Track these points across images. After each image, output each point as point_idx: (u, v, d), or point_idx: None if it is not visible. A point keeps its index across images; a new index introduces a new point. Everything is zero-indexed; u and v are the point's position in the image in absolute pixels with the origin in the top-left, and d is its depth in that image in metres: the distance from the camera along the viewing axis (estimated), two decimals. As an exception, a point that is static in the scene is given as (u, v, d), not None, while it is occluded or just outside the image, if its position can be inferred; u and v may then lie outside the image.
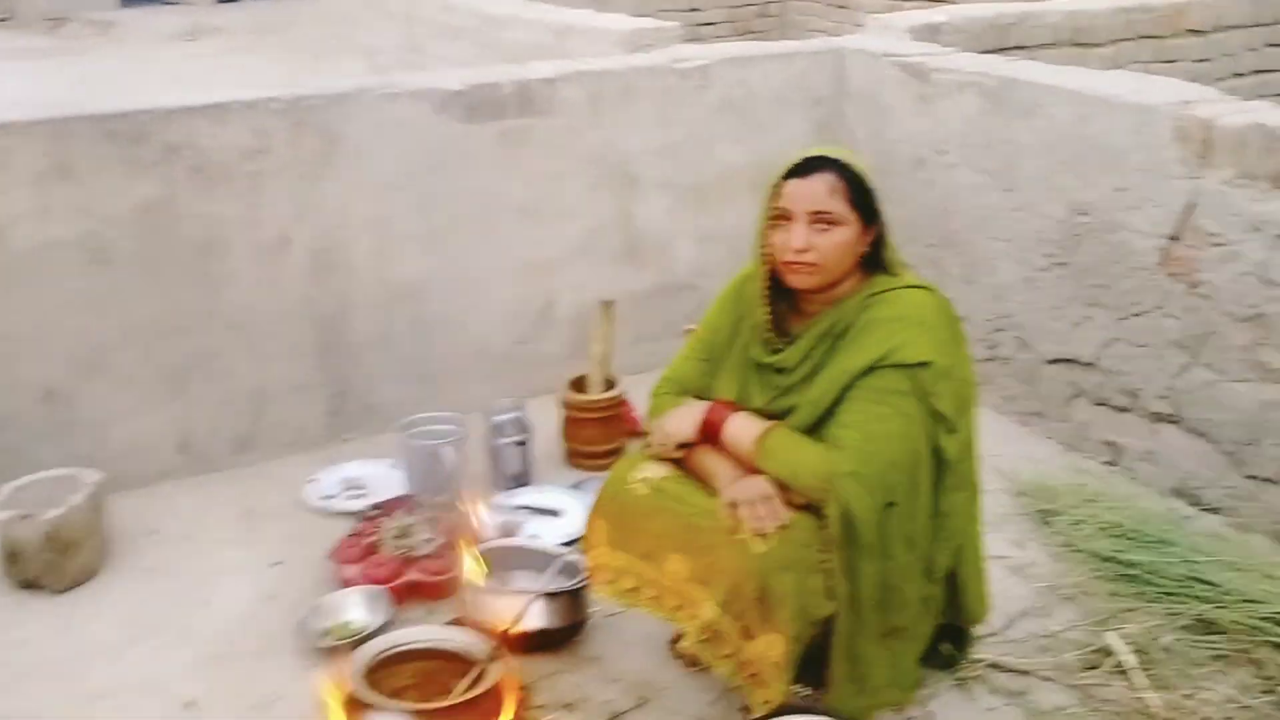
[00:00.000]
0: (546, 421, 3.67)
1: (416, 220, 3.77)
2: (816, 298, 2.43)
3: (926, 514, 2.36)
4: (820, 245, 2.32)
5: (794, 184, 2.35)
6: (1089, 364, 3.61)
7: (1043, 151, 3.65)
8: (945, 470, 2.37)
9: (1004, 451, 3.63)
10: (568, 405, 3.64)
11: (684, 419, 2.43)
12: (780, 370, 2.44)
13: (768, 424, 2.36)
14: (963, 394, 2.39)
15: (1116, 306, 3.49)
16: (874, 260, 2.44)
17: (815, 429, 2.35)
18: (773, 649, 2.20)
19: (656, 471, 2.43)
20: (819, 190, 2.32)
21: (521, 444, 3.49)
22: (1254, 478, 3.17)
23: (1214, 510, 3.27)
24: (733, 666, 2.25)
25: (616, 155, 4.06)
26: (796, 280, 2.38)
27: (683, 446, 2.43)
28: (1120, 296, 3.47)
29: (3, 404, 3.31)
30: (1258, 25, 5.85)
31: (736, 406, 2.44)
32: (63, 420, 3.39)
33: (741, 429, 2.37)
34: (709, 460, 2.41)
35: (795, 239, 2.32)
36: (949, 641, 2.61)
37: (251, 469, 3.63)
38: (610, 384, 3.70)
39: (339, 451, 3.73)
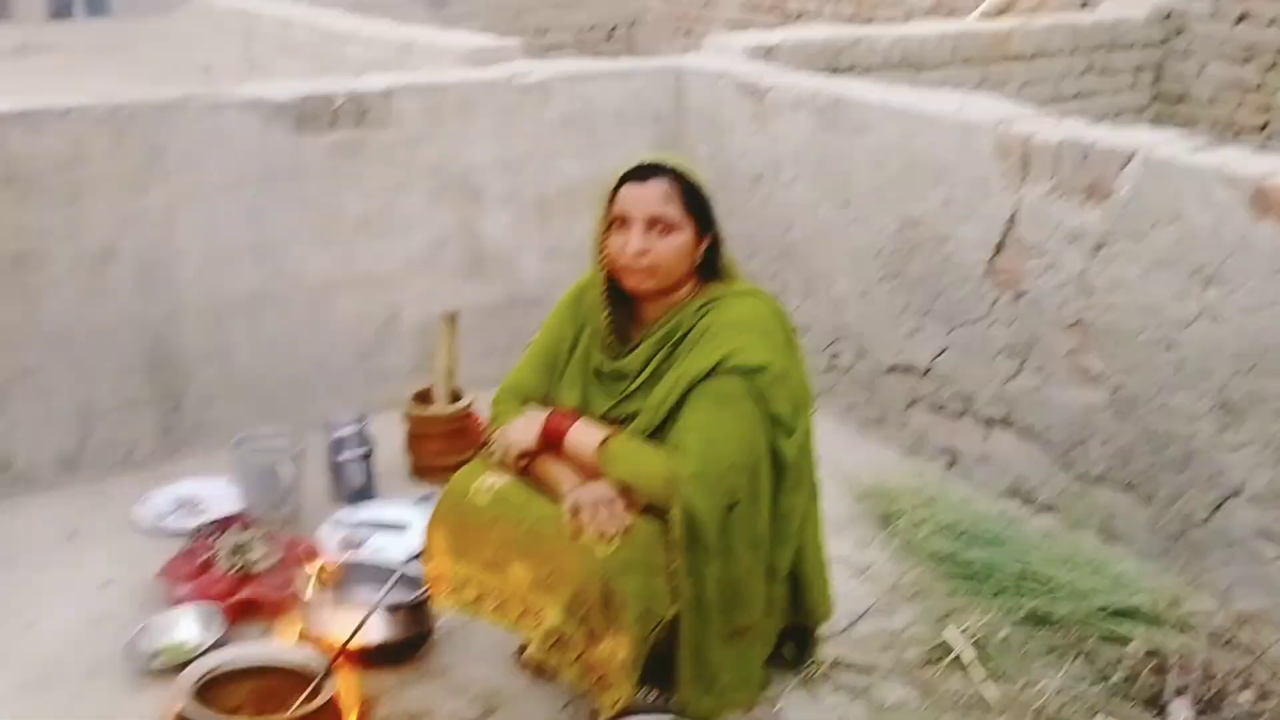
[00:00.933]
0: (392, 436, 3.60)
1: (249, 231, 3.67)
2: (654, 304, 2.45)
3: (768, 515, 2.39)
4: (657, 249, 2.36)
5: (630, 189, 2.38)
6: (924, 371, 3.72)
7: (874, 167, 3.75)
8: (784, 472, 2.41)
9: (846, 458, 3.70)
10: (412, 419, 3.58)
11: (525, 428, 2.42)
12: (621, 377, 2.46)
13: (609, 430, 2.37)
14: (798, 397, 2.43)
15: (947, 316, 3.60)
16: (709, 267, 2.48)
17: (656, 434, 2.37)
18: (618, 651, 2.19)
19: (498, 480, 2.40)
20: (655, 195, 2.36)
21: (364, 458, 3.42)
22: (1082, 477, 3.30)
23: (1046, 509, 3.39)
24: (580, 670, 2.24)
25: (457, 168, 4.03)
26: (634, 283, 2.40)
27: (524, 456, 2.41)
28: (951, 306, 3.58)
29: None
30: (1076, 52, 6.14)
31: (577, 414, 2.44)
32: (-128, 439, 3.19)
33: (583, 436, 2.37)
34: (551, 468, 2.40)
35: (633, 243, 2.35)
36: (793, 642, 2.65)
37: (79, 488, 3.47)
38: (456, 397, 3.65)
39: (172, 470, 3.58)
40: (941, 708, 2.58)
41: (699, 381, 2.33)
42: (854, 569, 3.10)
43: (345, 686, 2.36)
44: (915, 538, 3.21)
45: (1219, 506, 2.97)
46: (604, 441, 2.34)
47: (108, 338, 3.49)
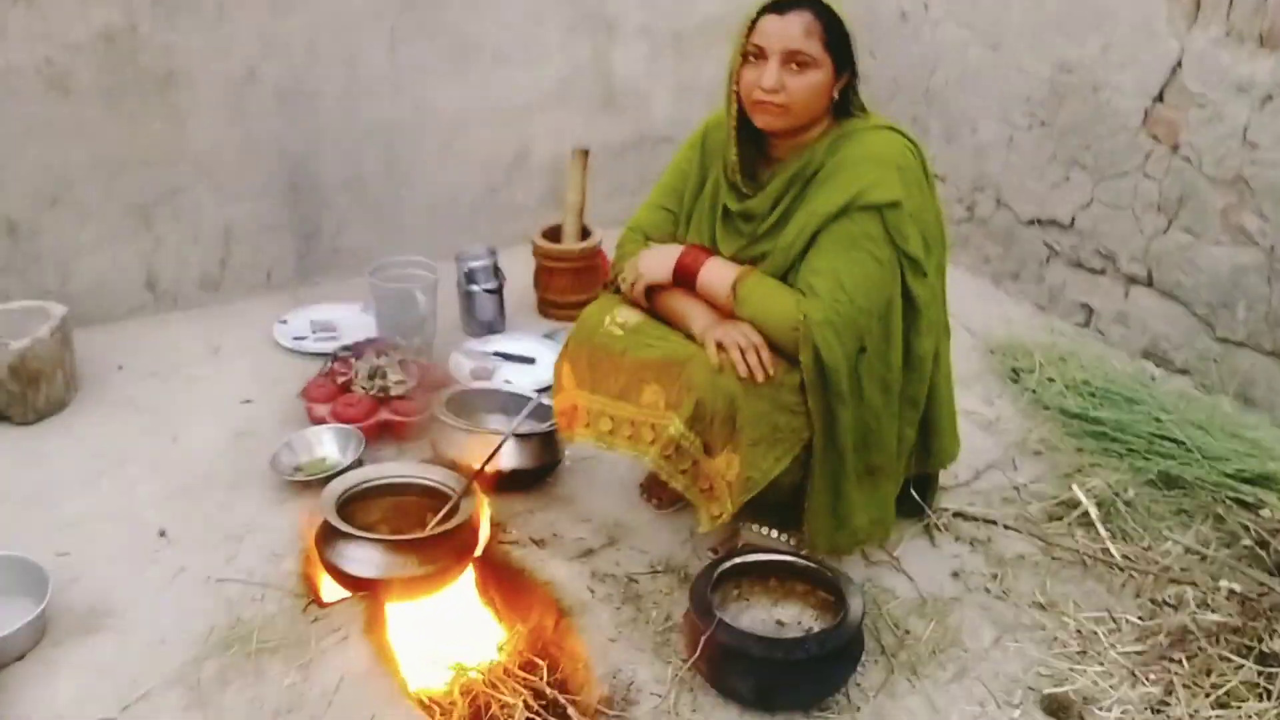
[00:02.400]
0: (520, 270, 3.63)
1: (386, 60, 3.66)
2: (784, 143, 2.37)
3: (900, 358, 2.34)
4: (791, 86, 2.25)
5: (769, 20, 2.26)
6: (1067, 226, 3.60)
7: (1030, 8, 3.58)
8: (916, 314, 2.34)
9: (978, 310, 3.65)
10: (541, 255, 3.60)
11: (658, 260, 2.39)
12: (749, 217, 2.40)
13: (742, 269, 2.32)
14: (932, 235, 2.35)
15: (1097, 168, 3.46)
16: (844, 105, 2.38)
17: (787, 275, 2.32)
18: (730, 468, 2.21)
19: (631, 316, 2.40)
20: (794, 29, 2.24)
21: (495, 291, 3.46)
22: (1224, 340, 3.19)
23: (1183, 372, 3.31)
24: (689, 480, 2.27)
25: (594, -1, 3.95)
26: (764, 121, 2.31)
27: (651, 290, 2.40)
28: (1101, 158, 3.44)
29: (-38, 235, 3.24)
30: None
31: (711, 251, 2.40)
32: (27, 253, 3.32)
33: (717, 274, 2.33)
34: (680, 303, 2.37)
35: (767, 78, 2.25)
36: (916, 490, 2.64)
37: (220, 308, 3.60)
38: (585, 234, 3.66)
39: (308, 294, 3.69)
40: (1063, 563, 2.57)
41: (830, 221, 2.26)
42: (981, 423, 3.07)
43: (479, 508, 2.43)
44: (1045, 394, 3.17)
45: (1371, 377, 2.86)
46: (737, 280, 2.30)
47: (249, 160, 3.55)
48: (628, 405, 2.31)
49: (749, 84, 2.28)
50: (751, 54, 2.28)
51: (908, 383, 2.38)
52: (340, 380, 3.03)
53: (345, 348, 3.19)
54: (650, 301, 2.42)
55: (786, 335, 2.22)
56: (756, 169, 2.42)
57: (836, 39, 2.26)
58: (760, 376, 2.20)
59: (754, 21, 2.27)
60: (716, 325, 2.28)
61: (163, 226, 3.48)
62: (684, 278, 2.36)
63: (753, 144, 2.40)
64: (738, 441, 2.20)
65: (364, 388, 2.99)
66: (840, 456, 2.31)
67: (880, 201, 2.24)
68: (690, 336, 2.32)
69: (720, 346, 2.23)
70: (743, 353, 2.21)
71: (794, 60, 2.24)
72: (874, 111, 2.41)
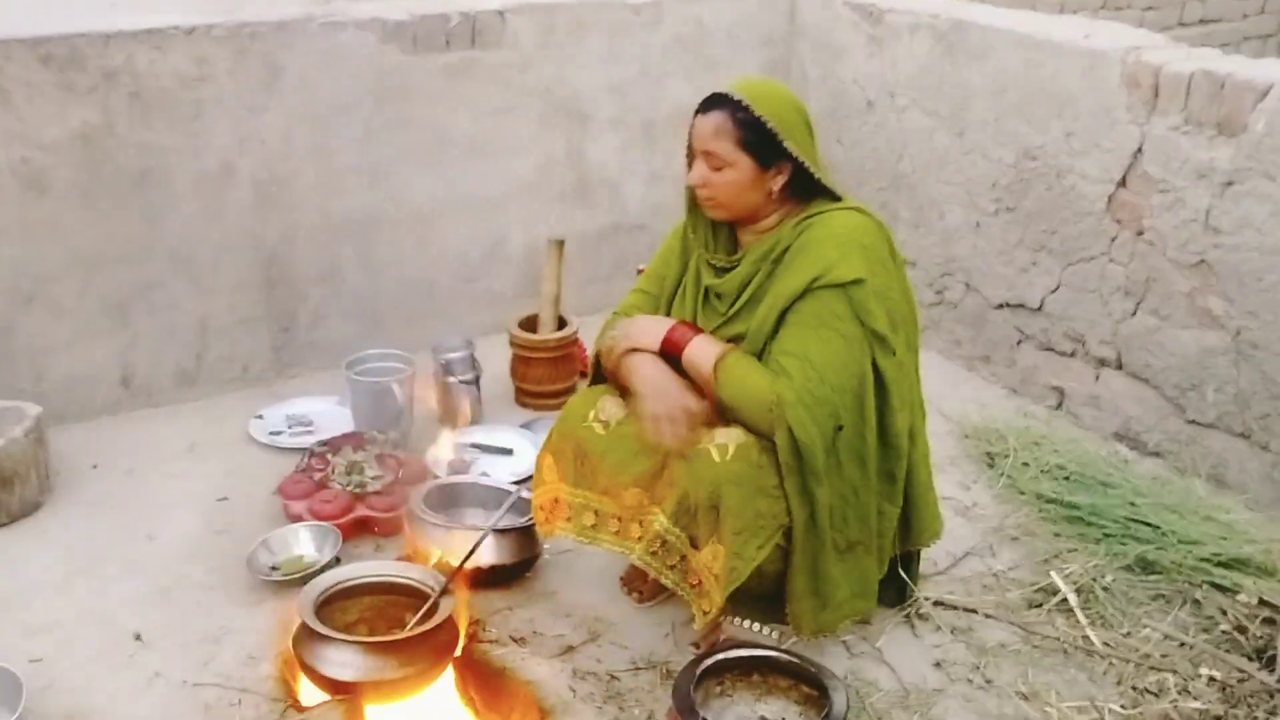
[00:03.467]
0: (496, 360, 3.64)
1: (361, 153, 3.70)
2: (745, 228, 2.46)
3: (875, 435, 2.36)
4: (714, 182, 2.36)
5: (696, 119, 2.38)
6: (1036, 309, 3.65)
7: (993, 95, 3.66)
8: (886, 391, 2.37)
9: (951, 395, 3.68)
10: (518, 344, 3.62)
11: (648, 330, 2.44)
12: (722, 296, 2.46)
13: (726, 347, 2.36)
14: (899, 314, 2.38)
15: (1064, 252, 3.52)
16: (804, 190, 2.43)
17: (761, 355, 2.36)
18: (716, 560, 2.23)
19: (614, 412, 2.44)
20: (707, 130, 2.34)
21: (472, 382, 3.46)
22: (1195, 423, 3.23)
23: (1156, 454, 3.34)
24: (678, 577, 2.30)
25: (567, 90, 4.01)
26: (707, 210, 2.43)
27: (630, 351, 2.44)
28: (1067, 242, 3.50)
29: (-62, 334, 3.23)
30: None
31: (699, 329, 2.44)
32: (1, 351, 3.31)
33: (702, 351, 2.36)
34: (637, 375, 2.39)
35: (690, 175, 2.39)
36: (895, 580, 2.64)
37: (196, 404, 3.59)
38: (561, 323, 3.68)
39: (284, 388, 3.69)
40: (1044, 651, 2.57)
41: (796, 300, 2.31)
42: (957, 509, 3.09)
43: (459, 607, 2.41)
44: (1021, 479, 3.19)
45: (1340, 458, 2.90)
46: (719, 359, 2.33)
47: (225, 255, 3.56)
48: (611, 501, 2.36)
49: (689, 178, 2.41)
50: (688, 148, 2.41)
51: (884, 459, 2.41)
52: (317, 476, 3.02)
53: (321, 443, 3.18)
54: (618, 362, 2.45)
55: (762, 416, 2.26)
56: (733, 250, 2.49)
57: (756, 138, 2.32)
58: (689, 445, 2.26)
59: (693, 118, 2.39)
60: (655, 396, 2.32)
61: (139, 323, 3.48)
62: (671, 351, 2.40)
63: (725, 228, 2.48)
64: (722, 531, 2.22)
65: (341, 483, 2.99)
66: (819, 535, 2.32)
67: (844, 279, 2.29)
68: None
69: (655, 419, 2.29)
70: (675, 423, 2.28)
71: (709, 160, 2.35)
72: (845, 194, 2.47)
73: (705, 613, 2.29)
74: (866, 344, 2.31)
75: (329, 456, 3.09)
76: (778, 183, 2.37)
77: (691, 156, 2.41)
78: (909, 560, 2.66)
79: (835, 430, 2.28)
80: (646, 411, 2.31)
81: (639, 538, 2.32)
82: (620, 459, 2.35)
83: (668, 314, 2.57)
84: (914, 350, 2.49)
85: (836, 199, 2.43)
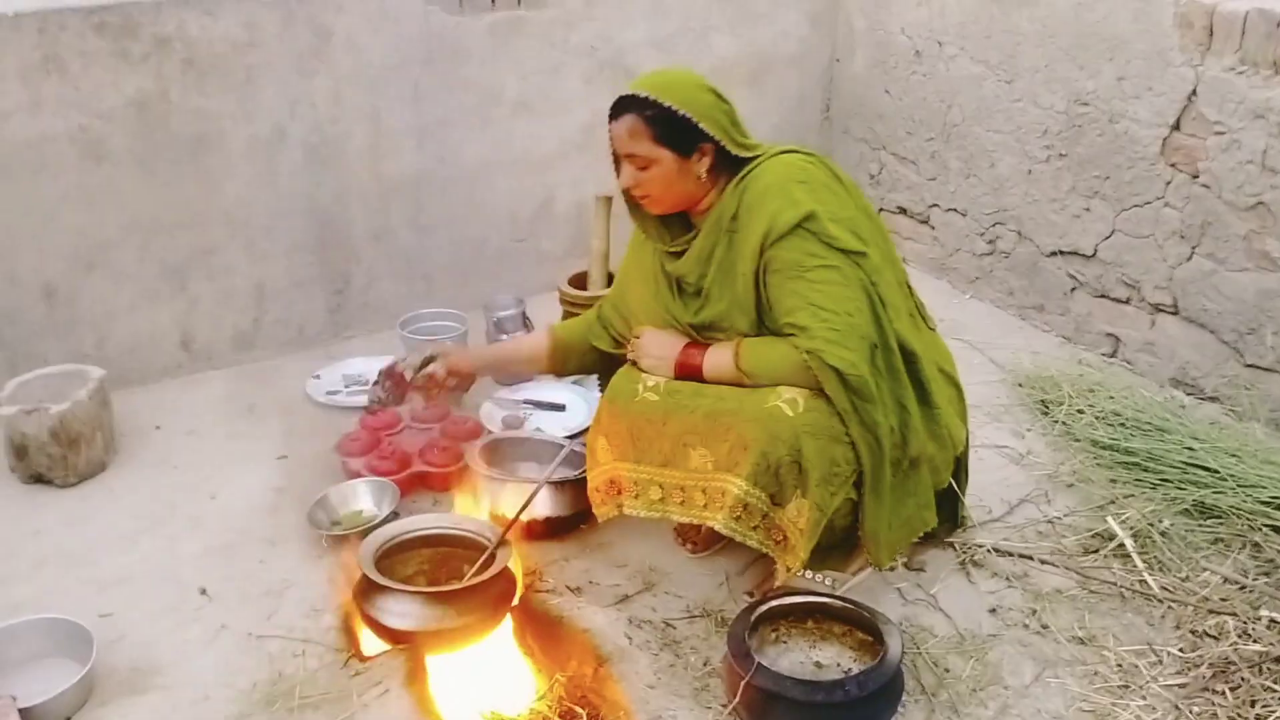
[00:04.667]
0: (547, 317, 3.66)
1: (410, 114, 3.72)
2: (695, 212, 2.48)
3: (895, 344, 2.39)
4: (643, 180, 2.40)
5: (611, 126, 2.42)
6: (1089, 256, 3.61)
7: (1043, 40, 3.61)
8: (884, 301, 2.38)
9: (1004, 343, 3.66)
10: (568, 301, 3.63)
11: (659, 364, 2.47)
12: (688, 277, 2.48)
13: (734, 346, 2.38)
14: (862, 229, 2.39)
15: (1117, 197, 3.48)
16: (732, 161, 2.43)
17: (761, 325, 2.39)
18: (801, 515, 2.26)
19: (660, 379, 2.46)
20: (622, 134, 2.39)
21: (524, 339, 3.49)
22: (1253, 366, 3.19)
23: (1213, 399, 3.31)
24: (762, 535, 2.30)
25: (611, 48, 4.00)
26: (646, 208, 2.47)
27: None
28: (1121, 187, 3.46)
29: (4, 301, 3.30)
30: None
31: (699, 344, 2.46)
32: (64, 317, 3.38)
33: (719, 363, 2.39)
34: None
35: (621, 178, 2.43)
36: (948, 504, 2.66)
37: (254, 365, 3.65)
38: (610, 279, 3.68)
39: (340, 348, 3.74)
40: (1101, 596, 2.56)
41: (763, 258, 2.32)
42: (1011, 457, 3.08)
43: (515, 557, 2.45)
44: (1075, 426, 3.17)
45: (1403, 399, 2.86)
46: (736, 358, 2.36)
47: (279, 219, 3.61)
48: (674, 471, 2.36)
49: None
50: (614, 156, 2.46)
51: (908, 366, 2.43)
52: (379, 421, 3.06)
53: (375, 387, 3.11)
54: None
55: (804, 376, 2.28)
56: (687, 231, 2.53)
57: (669, 130, 2.35)
58: (647, 368, 2.47)
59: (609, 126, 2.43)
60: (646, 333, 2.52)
61: (197, 287, 3.54)
62: (689, 374, 2.43)
63: (675, 216, 2.52)
64: (806, 484, 2.25)
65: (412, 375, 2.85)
66: (884, 461, 2.34)
67: (795, 219, 2.30)
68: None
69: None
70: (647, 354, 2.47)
71: (633, 162, 2.39)
72: (772, 146, 2.47)
73: (789, 568, 2.31)
74: (849, 265, 2.33)
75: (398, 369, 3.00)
76: (704, 165, 2.40)
77: (618, 162, 2.44)
78: (954, 480, 2.66)
79: (871, 350, 2.30)
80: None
81: (711, 506, 2.31)
82: (684, 421, 2.34)
83: (640, 320, 2.61)
84: (893, 262, 2.50)
85: (759, 152, 2.45)
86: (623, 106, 2.39)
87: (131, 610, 2.55)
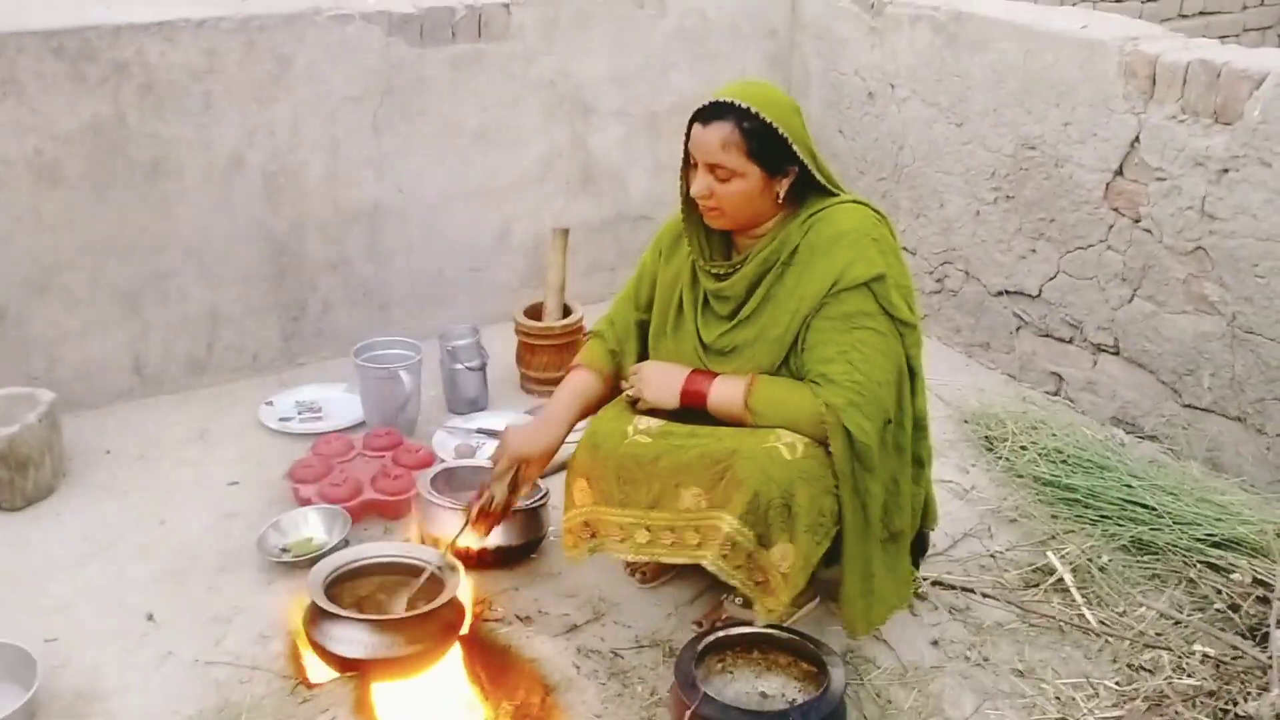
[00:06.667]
0: (502, 348, 3.69)
1: (369, 144, 3.75)
2: (745, 234, 2.43)
3: (910, 422, 2.40)
4: (720, 193, 2.32)
5: (697, 130, 2.32)
6: (1034, 296, 3.69)
7: (992, 86, 3.70)
8: (915, 377, 2.40)
9: (951, 380, 3.72)
10: (523, 332, 3.66)
11: (664, 389, 2.42)
12: (725, 299, 2.44)
13: (747, 380, 2.35)
14: (910, 300, 2.40)
15: (1062, 240, 3.56)
16: (804, 190, 2.42)
17: (784, 366, 2.37)
18: (785, 559, 2.23)
19: (652, 422, 2.41)
20: (713, 143, 2.28)
21: (479, 369, 3.51)
22: (1190, 406, 3.27)
23: (1152, 438, 3.38)
24: (744, 576, 2.27)
25: (571, 83, 4.06)
26: (709, 221, 2.40)
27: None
28: (1066, 230, 3.54)
29: (-46, 323, 3.29)
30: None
31: (708, 373, 2.42)
32: (15, 340, 3.36)
33: (726, 393, 2.35)
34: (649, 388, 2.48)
35: (696, 186, 2.34)
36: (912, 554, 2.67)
37: (207, 391, 3.65)
38: (566, 311, 3.73)
39: (293, 375, 3.74)
40: (1040, 629, 2.61)
41: (822, 302, 2.30)
42: (955, 491, 3.13)
43: (464, 585, 2.46)
44: (1019, 462, 3.23)
45: (1334, 440, 2.94)
46: (748, 394, 2.32)
47: (236, 245, 3.61)
48: (663, 513, 2.32)
49: (692, 188, 2.36)
50: (688, 158, 2.37)
51: (915, 444, 2.44)
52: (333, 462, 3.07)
53: (333, 432, 3.16)
54: None
55: (814, 428, 2.26)
56: (728, 252, 2.49)
57: (763, 145, 2.29)
58: (635, 396, 2.45)
59: (689, 127, 2.34)
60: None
61: (150, 312, 3.54)
62: (693, 403, 2.39)
63: (720, 233, 2.47)
64: (795, 530, 2.22)
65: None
66: (870, 530, 2.33)
67: (866, 277, 2.29)
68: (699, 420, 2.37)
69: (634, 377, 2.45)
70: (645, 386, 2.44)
71: (716, 172, 2.31)
72: (843, 186, 2.46)
73: (771, 610, 2.28)
74: (897, 335, 2.32)
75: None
76: (784, 187, 2.36)
77: (690, 165, 2.37)
78: (918, 544, 2.69)
79: (885, 425, 2.29)
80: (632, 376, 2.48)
81: (699, 545, 2.28)
82: (677, 460, 2.30)
83: (663, 331, 2.55)
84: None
85: (832, 194, 2.42)
86: (718, 112, 2.28)
87: (77, 635, 2.54)
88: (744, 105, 2.27)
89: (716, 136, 2.28)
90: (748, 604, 2.50)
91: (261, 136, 3.56)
